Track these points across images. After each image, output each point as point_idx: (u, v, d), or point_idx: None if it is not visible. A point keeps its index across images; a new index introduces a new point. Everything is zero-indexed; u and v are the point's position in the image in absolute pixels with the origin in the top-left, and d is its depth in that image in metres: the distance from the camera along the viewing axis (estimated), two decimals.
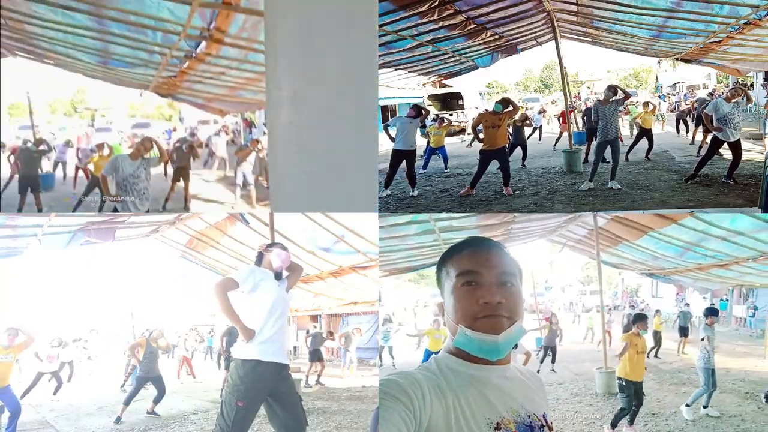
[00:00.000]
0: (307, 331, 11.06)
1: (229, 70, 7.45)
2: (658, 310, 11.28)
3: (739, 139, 7.33)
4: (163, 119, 11.69)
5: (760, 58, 8.70)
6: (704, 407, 6.13)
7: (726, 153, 7.58)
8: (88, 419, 7.11)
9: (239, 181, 8.57)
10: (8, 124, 10.02)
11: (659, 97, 12.23)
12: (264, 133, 10.34)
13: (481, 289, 1.37)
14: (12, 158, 8.50)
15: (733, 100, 7.18)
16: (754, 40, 7.84)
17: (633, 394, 5.67)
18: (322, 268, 9.40)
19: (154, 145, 6.40)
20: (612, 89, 7.65)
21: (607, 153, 7.65)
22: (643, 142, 9.27)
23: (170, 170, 8.81)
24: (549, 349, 9.52)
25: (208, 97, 9.04)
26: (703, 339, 6.28)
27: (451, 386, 1.33)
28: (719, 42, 8.31)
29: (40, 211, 7.46)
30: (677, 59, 10.06)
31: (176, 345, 11.37)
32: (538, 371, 9.09)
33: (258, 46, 6.21)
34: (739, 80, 11.22)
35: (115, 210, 6.40)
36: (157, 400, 7.17)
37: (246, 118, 11.39)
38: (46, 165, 8.74)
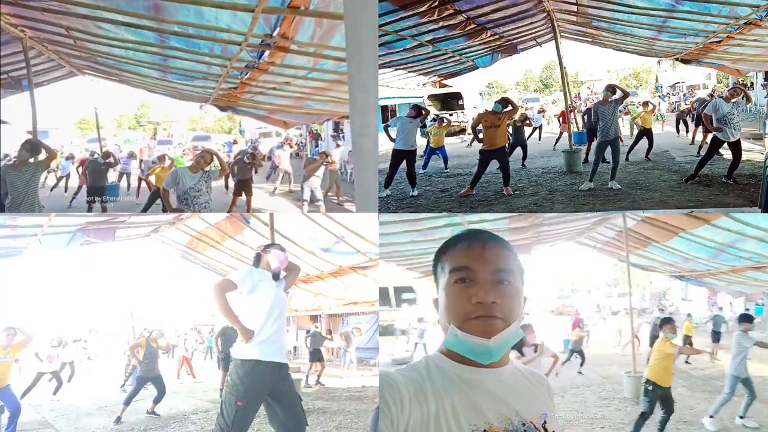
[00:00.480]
0: (307, 331, 11.06)
1: (294, 80, 7.23)
2: (689, 314, 10.87)
3: (739, 139, 7.33)
4: (222, 132, 11.77)
5: (760, 58, 8.70)
6: (740, 417, 5.88)
7: (726, 153, 7.58)
8: (88, 419, 7.11)
9: (306, 197, 8.29)
10: (77, 137, 10.36)
11: (659, 97, 12.23)
12: (337, 145, 10.25)
13: (474, 287, 1.29)
14: (80, 169, 8.95)
15: (733, 100, 7.19)
16: (754, 40, 7.84)
17: (658, 399, 5.49)
18: (322, 268, 9.39)
19: (215, 158, 6.32)
20: (611, 89, 7.66)
21: (608, 153, 7.66)
22: (644, 142, 9.28)
23: (231, 183, 8.81)
24: (576, 352, 9.29)
25: (270, 109, 8.90)
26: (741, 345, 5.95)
27: (436, 389, 1.26)
28: (719, 42, 8.31)
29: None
30: (677, 59, 10.06)
31: (176, 345, 11.37)
32: (551, 374, 8.97)
33: (329, 52, 5.94)
34: (740, 80, 11.22)
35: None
36: (157, 400, 7.17)
37: (312, 131, 11.30)
38: (111, 176, 8.95)
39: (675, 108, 11.91)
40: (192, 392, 9.02)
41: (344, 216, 7.36)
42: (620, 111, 8.23)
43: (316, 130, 11.30)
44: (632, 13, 8.07)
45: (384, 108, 10.20)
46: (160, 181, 7.81)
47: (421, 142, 9.22)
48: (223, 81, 7.56)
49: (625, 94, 7.82)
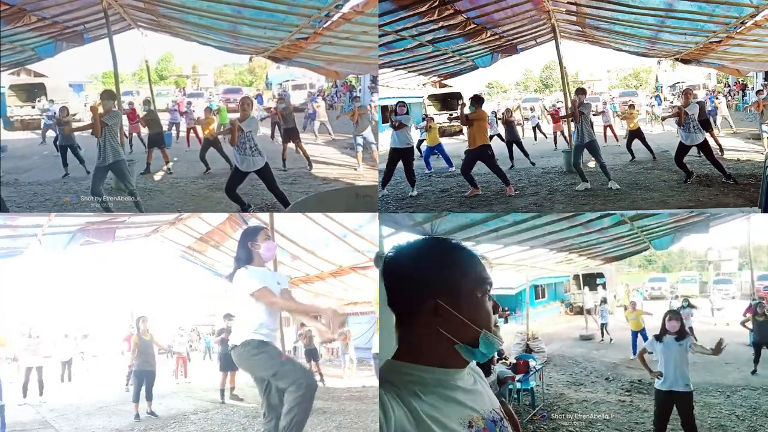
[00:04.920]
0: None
1: (373, 28, 7.44)
2: None
3: (704, 140, 7.53)
4: (244, 85, 11.88)
5: (760, 58, 8.70)
6: None
7: (727, 154, 7.63)
8: (88, 419, 7.10)
9: (360, 142, 8.74)
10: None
11: (654, 98, 12.24)
12: (369, 101, 10.39)
13: (493, 300, 1.45)
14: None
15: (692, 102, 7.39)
16: (754, 40, 7.84)
17: None
18: (322, 268, 9.40)
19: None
20: (582, 92, 7.81)
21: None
22: (641, 144, 9.28)
23: (277, 134, 9.52)
24: (761, 345, 8.01)
25: (331, 60, 9.12)
26: None
27: (414, 391, 1.32)
28: (719, 42, 8.31)
29: (167, 164, 8.60)
30: (677, 59, 10.06)
31: (172, 345, 11.35)
32: (754, 372, 7.86)
33: None
34: (739, 80, 11.24)
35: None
36: (148, 397, 7.17)
37: (346, 82, 11.53)
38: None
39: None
40: (192, 392, 9.02)
41: (344, 216, 7.36)
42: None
43: (350, 81, 11.50)
44: (632, 13, 8.07)
45: (384, 108, 10.20)
46: (212, 131, 8.61)
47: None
48: (298, 32, 7.83)
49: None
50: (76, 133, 8.20)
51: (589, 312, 12.01)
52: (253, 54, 9.92)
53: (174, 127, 10.03)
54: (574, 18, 9.11)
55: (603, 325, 11.16)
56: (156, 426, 6.67)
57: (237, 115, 6.77)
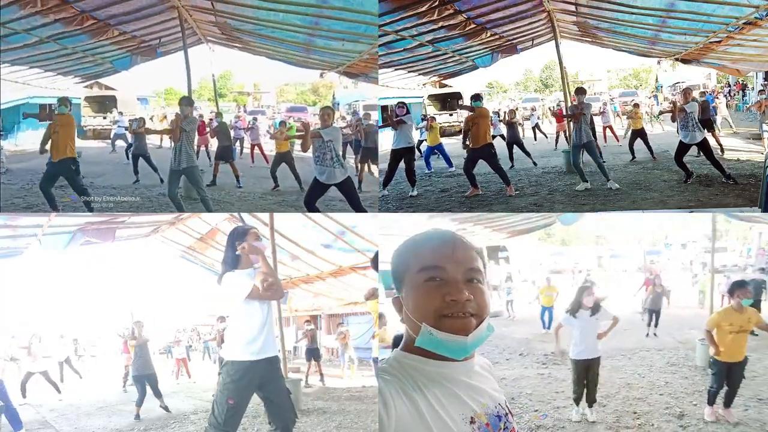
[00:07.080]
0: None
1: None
2: None
3: (704, 139, 7.54)
4: (306, 105, 11.86)
5: (760, 58, 8.70)
6: None
7: (727, 154, 7.62)
8: (88, 419, 7.11)
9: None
10: (165, 107, 10.80)
11: (653, 97, 12.24)
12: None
13: (446, 286, 1.30)
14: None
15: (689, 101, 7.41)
16: (754, 40, 7.84)
17: (725, 373, 5.08)
18: (322, 268, 9.39)
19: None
20: (582, 92, 7.80)
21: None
22: (641, 144, 9.28)
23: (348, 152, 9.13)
24: (653, 312, 9.27)
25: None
26: None
27: (417, 385, 1.29)
28: (719, 42, 8.31)
29: (237, 177, 8.50)
30: (677, 59, 10.06)
31: (173, 346, 11.37)
32: (647, 335, 9.19)
33: None
34: (739, 80, 11.24)
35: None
36: (157, 395, 7.23)
37: None
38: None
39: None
40: (192, 392, 9.02)
41: (344, 216, 7.36)
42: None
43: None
44: (632, 13, 8.07)
45: (384, 108, 10.21)
46: (284, 147, 8.36)
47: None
48: (375, 47, 7.73)
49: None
50: (147, 144, 8.41)
51: (494, 288, 11.78)
52: (325, 69, 9.61)
53: (237, 143, 10.01)
54: (574, 18, 9.11)
55: (509, 302, 11.24)
56: (156, 426, 6.67)
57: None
